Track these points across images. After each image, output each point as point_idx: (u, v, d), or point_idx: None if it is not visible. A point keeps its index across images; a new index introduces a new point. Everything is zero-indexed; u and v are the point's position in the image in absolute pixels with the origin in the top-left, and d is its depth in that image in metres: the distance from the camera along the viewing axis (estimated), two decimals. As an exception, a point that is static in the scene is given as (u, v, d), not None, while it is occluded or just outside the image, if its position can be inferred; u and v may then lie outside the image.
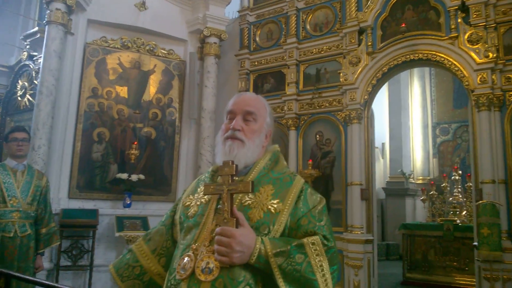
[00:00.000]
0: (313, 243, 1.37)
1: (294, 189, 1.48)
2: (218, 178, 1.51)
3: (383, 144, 11.16)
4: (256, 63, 6.81)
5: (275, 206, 1.42)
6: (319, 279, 1.33)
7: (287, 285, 1.30)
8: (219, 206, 1.41)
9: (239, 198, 1.45)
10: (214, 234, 1.34)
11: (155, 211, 6.01)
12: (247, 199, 1.44)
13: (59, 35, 5.69)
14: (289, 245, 1.34)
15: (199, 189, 1.59)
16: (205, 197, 1.51)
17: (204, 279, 1.30)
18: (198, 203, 1.53)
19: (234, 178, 1.38)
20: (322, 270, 1.35)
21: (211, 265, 1.31)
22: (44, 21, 5.79)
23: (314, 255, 1.35)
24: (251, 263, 1.32)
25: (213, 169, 1.61)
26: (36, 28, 6.71)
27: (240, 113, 1.54)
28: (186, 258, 1.37)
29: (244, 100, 1.58)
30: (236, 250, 1.28)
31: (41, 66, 5.64)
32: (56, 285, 2.26)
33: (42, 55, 5.70)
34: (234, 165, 1.38)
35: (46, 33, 5.70)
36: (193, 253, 1.36)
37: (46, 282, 2.14)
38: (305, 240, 1.38)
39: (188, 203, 1.57)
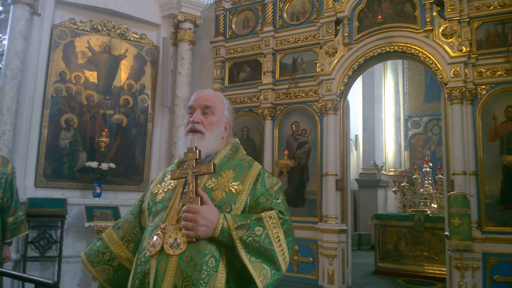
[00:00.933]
0: (270, 217, 1.52)
1: (253, 173, 1.64)
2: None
3: (356, 136, 11.28)
4: (231, 51, 6.69)
5: (236, 187, 1.57)
6: (276, 248, 1.49)
7: (247, 254, 1.44)
8: (185, 190, 1.56)
9: (203, 182, 1.58)
10: (181, 213, 1.47)
11: (127, 200, 5.84)
12: (210, 182, 1.59)
13: (25, 16, 5.41)
14: (249, 219, 1.49)
15: (166, 178, 1.72)
16: (172, 183, 1.65)
17: (172, 253, 1.43)
18: (166, 190, 1.66)
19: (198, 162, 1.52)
20: (279, 240, 1.51)
21: (178, 240, 1.44)
22: (9, 0, 5.48)
23: (271, 227, 1.50)
24: (215, 237, 1.44)
25: (179, 160, 1.74)
26: (0, 8, 6.34)
27: (198, 107, 1.69)
28: (155, 237, 1.49)
29: (202, 96, 1.73)
30: (201, 224, 1.41)
31: (5, 48, 5.35)
32: (23, 275, 2.14)
33: (6, 37, 5.41)
34: (197, 150, 1.52)
35: (11, 13, 5.41)
36: (161, 231, 1.49)
37: (13, 273, 2.01)
38: (263, 214, 1.53)
39: (156, 191, 1.70)
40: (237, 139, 1.83)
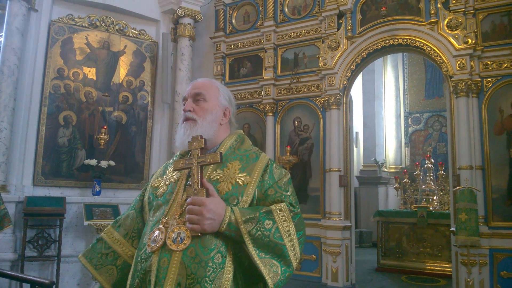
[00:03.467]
0: (280, 210, 1.44)
1: (260, 164, 1.56)
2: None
3: (356, 133, 11.20)
4: (232, 46, 6.60)
5: (243, 179, 1.50)
6: (287, 243, 1.40)
7: (256, 250, 1.35)
8: (188, 182, 1.48)
9: (207, 174, 1.50)
10: (185, 206, 1.39)
11: (127, 198, 5.75)
12: (216, 174, 1.51)
13: (22, 11, 5.33)
14: (258, 212, 1.40)
15: (167, 171, 1.66)
16: (174, 176, 1.58)
17: (176, 249, 1.35)
18: (167, 182, 1.59)
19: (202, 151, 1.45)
20: (290, 235, 1.42)
21: (182, 235, 1.36)
22: (5, -4, 5.39)
23: (282, 221, 1.41)
24: (221, 231, 1.36)
25: (181, 153, 1.68)
26: (-4, 4, 6.25)
27: (190, 96, 1.65)
28: (156, 232, 1.41)
29: (194, 85, 1.68)
30: (207, 217, 1.33)
31: (2, 45, 5.26)
32: (18, 275, 2.05)
33: (3, 33, 5.32)
34: (202, 138, 1.43)
35: (7, 8, 5.33)
36: (163, 226, 1.41)
37: (8, 272, 1.92)
38: (272, 207, 1.44)
39: (156, 185, 1.64)
40: (241, 130, 1.77)
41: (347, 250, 5.31)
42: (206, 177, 1.49)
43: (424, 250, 6.87)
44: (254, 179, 1.51)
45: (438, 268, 6.65)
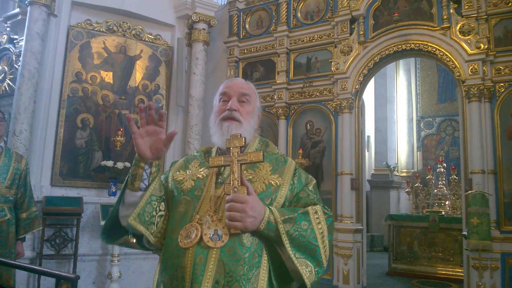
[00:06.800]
0: (315, 212, 1.45)
1: (290, 167, 1.57)
2: (212, 155, 1.60)
3: (368, 137, 11.20)
4: (245, 50, 6.70)
5: (276, 180, 1.51)
6: (320, 245, 1.41)
7: (293, 250, 1.35)
8: (219, 180, 1.50)
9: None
10: (225, 202, 1.35)
11: (141, 199, 5.85)
12: (247, 174, 1.50)
13: (42, 17, 5.48)
14: (296, 212, 1.41)
15: (190, 165, 1.62)
16: (202, 172, 1.56)
17: (213, 246, 1.33)
18: (194, 178, 1.56)
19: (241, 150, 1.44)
20: (323, 237, 1.43)
21: (219, 232, 1.35)
22: (26, 2, 5.55)
23: (316, 223, 1.42)
24: (260, 230, 1.35)
25: (202, 149, 1.69)
26: (18, 10, 6.41)
27: (235, 94, 1.59)
28: (190, 228, 1.38)
29: (238, 83, 1.64)
30: (249, 215, 1.32)
31: (23, 49, 5.41)
32: (44, 269, 2.14)
33: (24, 37, 5.48)
34: (243, 137, 1.41)
35: (28, 14, 5.47)
36: (197, 222, 1.39)
37: (34, 267, 2.02)
38: (309, 208, 1.45)
39: (180, 178, 1.59)
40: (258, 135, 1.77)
41: (358, 253, 5.35)
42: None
43: (436, 254, 6.86)
44: (286, 181, 1.52)
45: (450, 273, 6.64)
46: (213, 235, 1.35)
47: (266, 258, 1.38)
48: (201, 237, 1.35)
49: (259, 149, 1.63)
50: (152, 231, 1.47)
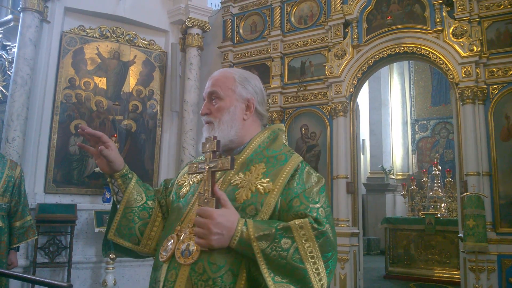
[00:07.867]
0: (301, 227, 1.21)
1: (288, 168, 1.33)
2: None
3: (363, 140, 11.24)
4: (239, 55, 6.69)
5: (265, 185, 1.29)
6: (308, 267, 1.18)
7: (271, 273, 1.16)
8: (199, 190, 1.37)
9: (229, 177, 1.36)
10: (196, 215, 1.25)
11: (136, 206, 5.81)
12: (237, 178, 1.34)
13: (35, 23, 5.45)
14: (274, 228, 1.19)
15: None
16: (198, 176, 1.44)
17: (183, 262, 1.22)
18: (191, 182, 1.46)
19: (217, 154, 1.30)
20: (313, 257, 1.19)
21: (191, 248, 1.23)
22: (19, 8, 5.53)
23: (303, 241, 1.19)
24: (232, 247, 1.19)
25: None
26: (10, 16, 6.38)
27: (206, 96, 1.51)
28: (170, 240, 1.31)
29: (209, 81, 1.52)
30: (213, 232, 1.16)
31: (15, 55, 5.38)
32: (36, 278, 2.11)
33: (16, 44, 5.45)
34: (215, 140, 1.26)
35: (20, 20, 5.45)
36: (176, 234, 1.30)
37: (26, 276, 1.98)
38: (291, 223, 1.22)
39: (182, 182, 1.51)
40: (282, 125, 1.58)
41: (355, 257, 5.33)
42: (227, 181, 1.35)
43: (432, 257, 6.86)
44: (277, 187, 1.29)
45: (447, 275, 6.65)
46: (184, 250, 1.24)
47: (243, 278, 1.21)
48: (174, 252, 1.26)
49: (263, 145, 1.44)
50: (136, 241, 1.48)
